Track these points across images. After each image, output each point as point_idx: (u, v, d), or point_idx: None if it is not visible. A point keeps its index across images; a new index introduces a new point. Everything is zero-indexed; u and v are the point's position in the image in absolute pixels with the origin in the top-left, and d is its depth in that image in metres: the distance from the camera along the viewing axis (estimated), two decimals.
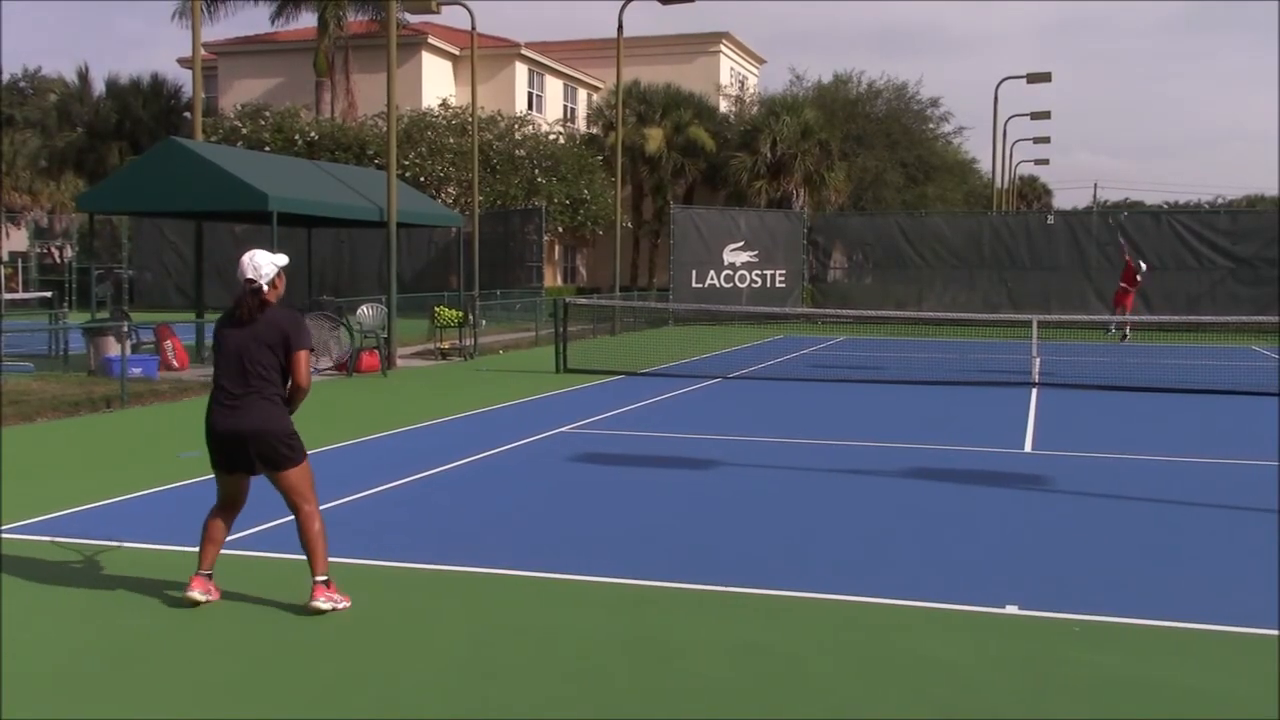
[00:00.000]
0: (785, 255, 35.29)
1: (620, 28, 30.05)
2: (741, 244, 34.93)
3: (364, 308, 19.29)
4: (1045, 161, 65.44)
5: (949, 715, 4.63)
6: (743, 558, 7.06)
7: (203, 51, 22.64)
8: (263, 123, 40.36)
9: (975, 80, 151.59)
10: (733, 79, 55.06)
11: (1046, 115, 47.62)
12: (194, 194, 17.18)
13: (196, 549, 6.02)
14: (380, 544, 7.29)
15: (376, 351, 18.52)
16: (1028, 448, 11.64)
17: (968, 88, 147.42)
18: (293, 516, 5.92)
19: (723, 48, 54.91)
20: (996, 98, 44.60)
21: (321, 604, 5.71)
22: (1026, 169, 73.20)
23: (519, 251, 35.28)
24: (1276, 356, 23.34)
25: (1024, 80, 41.06)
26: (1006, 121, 48.25)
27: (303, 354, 5.77)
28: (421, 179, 38.25)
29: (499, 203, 39.35)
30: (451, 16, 57.54)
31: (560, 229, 43.19)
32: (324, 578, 5.76)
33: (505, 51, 48.31)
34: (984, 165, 69.56)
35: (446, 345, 21.87)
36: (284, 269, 5.85)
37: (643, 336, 28.12)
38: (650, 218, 47.56)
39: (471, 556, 6.97)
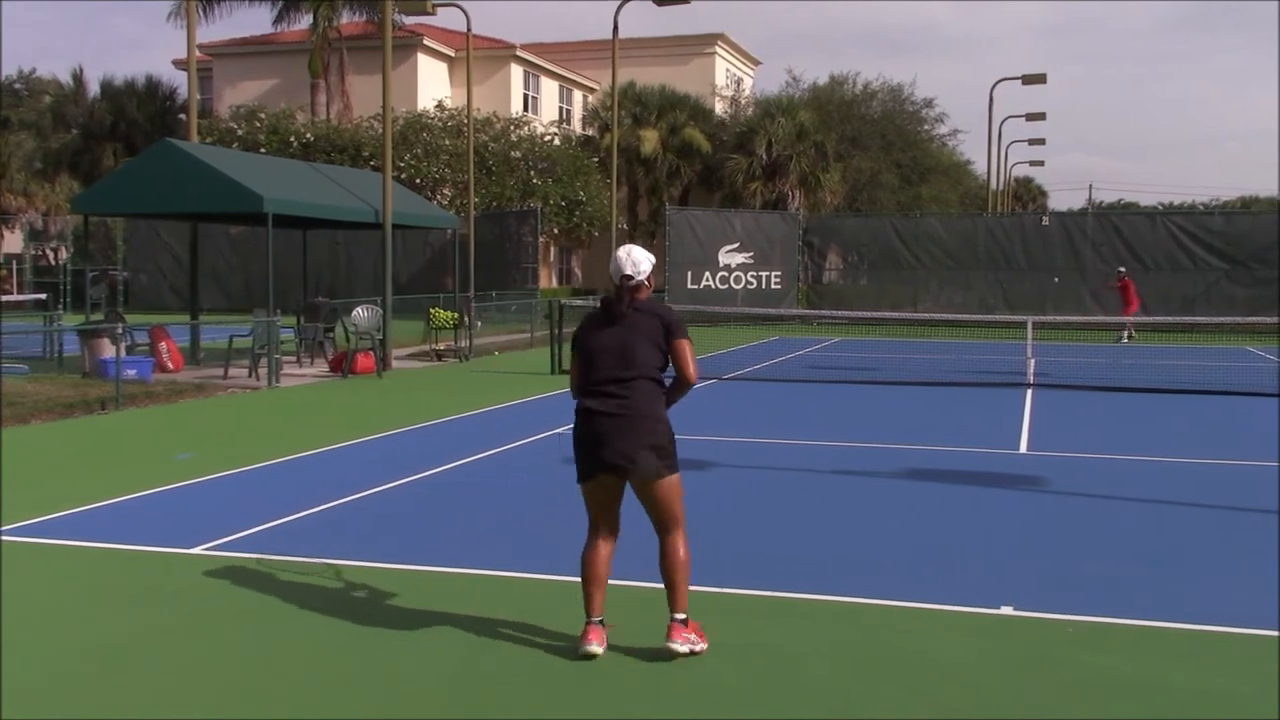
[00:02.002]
0: (781, 257, 35.32)
1: (616, 29, 30.07)
2: (737, 245, 34.96)
3: (359, 309, 19.28)
4: (1040, 163, 65.74)
5: (945, 715, 4.63)
6: (740, 559, 7.06)
7: (198, 53, 22.62)
8: (258, 124, 40.33)
9: (971, 82, 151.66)
10: (728, 80, 55.09)
11: (1042, 117, 47.73)
12: (189, 196, 17.18)
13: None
14: (377, 546, 7.29)
15: (372, 353, 18.51)
16: (1023, 448, 11.65)
17: (963, 89, 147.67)
18: (660, 538, 5.27)
19: (718, 49, 54.94)
20: (992, 99, 44.80)
21: (678, 646, 5.13)
22: (1021, 170, 73.33)
23: (514, 253, 35.28)
24: (1272, 357, 23.39)
25: (1019, 82, 41.14)
26: (1002, 123, 48.38)
27: (686, 343, 5.31)
28: (417, 180, 38.24)
29: (494, 204, 39.34)
30: (447, 18, 57.39)
31: (556, 230, 43.19)
32: (684, 616, 5.19)
33: (501, 53, 48.32)
34: (979, 167, 69.76)
35: (442, 347, 21.87)
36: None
37: None
38: (646, 219, 47.57)
39: (469, 558, 6.97)
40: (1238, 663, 5.25)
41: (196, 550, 7.11)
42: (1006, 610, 5.96)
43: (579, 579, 5.28)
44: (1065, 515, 8.42)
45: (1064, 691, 4.88)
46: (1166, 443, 12.10)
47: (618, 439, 5.12)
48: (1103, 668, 5.17)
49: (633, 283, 5.34)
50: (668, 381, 5.33)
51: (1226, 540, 7.65)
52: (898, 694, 4.85)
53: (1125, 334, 28.63)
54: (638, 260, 5.38)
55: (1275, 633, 5.62)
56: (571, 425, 5.32)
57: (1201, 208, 61.01)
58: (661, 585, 5.26)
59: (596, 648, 5.15)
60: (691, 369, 5.29)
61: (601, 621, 5.25)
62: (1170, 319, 29.98)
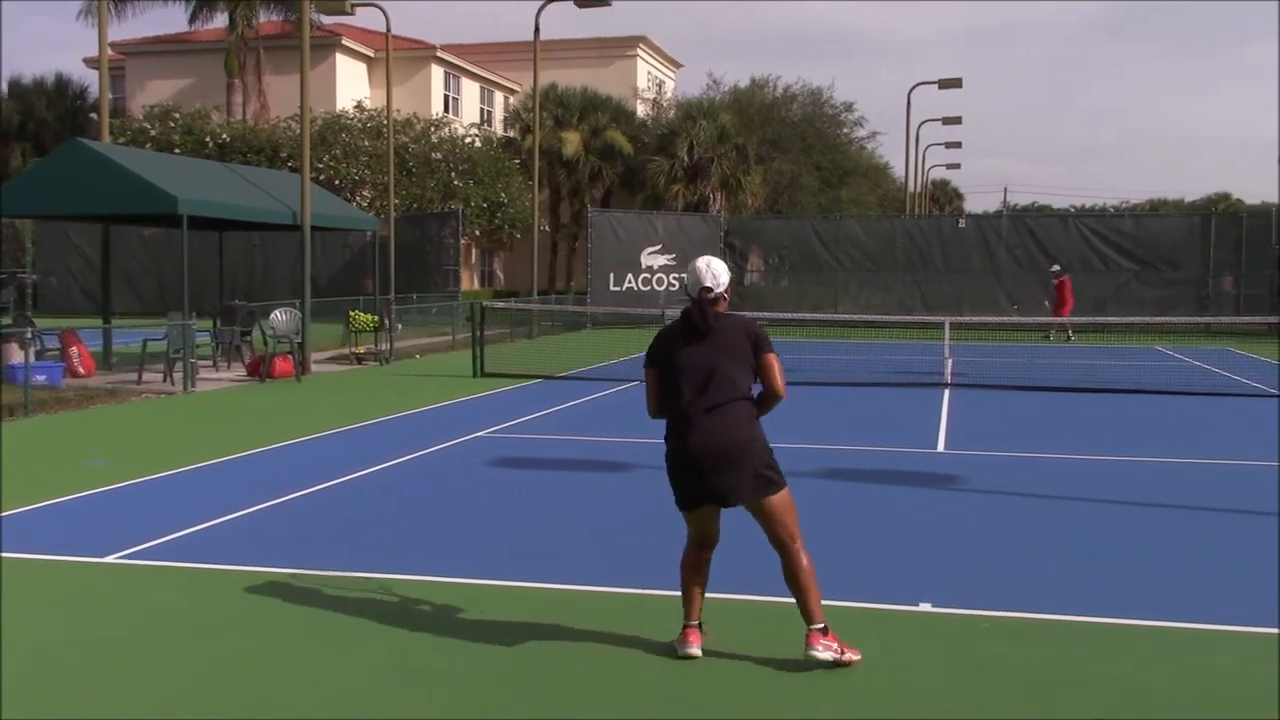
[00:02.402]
0: None
1: (537, 30, 30.02)
2: (659, 247, 35.05)
3: (277, 312, 19.02)
4: (957, 166, 66.73)
5: (862, 714, 4.68)
6: (664, 561, 7.07)
7: (110, 52, 22.16)
8: (172, 124, 39.63)
9: (889, 86, 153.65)
10: (650, 83, 55.20)
11: (958, 120, 48.50)
12: (100, 197, 16.82)
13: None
14: (297, 552, 7.19)
15: (290, 357, 18.27)
16: (940, 447, 11.82)
17: (882, 93, 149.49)
18: (779, 553, 5.18)
19: (639, 51, 55.04)
20: (909, 103, 45.34)
21: (820, 653, 5.04)
22: (939, 173, 74.46)
23: (435, 255, 35.04)
24: (1180, 356, 23.98)
25: (936, 86, 41.74)
26: (919, 126, 49.07)
27: (774, 357, 5.14)
28: (336, 182, 37.82)
29: (415, 206, 39.04)
30: (366, 18, 56.86)
31: (477, 232, 42.97)
32: (822, 625, 5.09)
33: (421, 54, 47.96)
34: (897, 170, 70.64)
35: (362, 350, 21.65)
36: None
37: (561, 340, 28.08)
38: (568, 221, 47.52)
39: (390, 563, 6.91)
40: (1147, 654, 5.37)
41: (109, 559, 6.97)
42: (925, 607, 6.05)
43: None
44: (982, 512, 8.56)
45: (977, 686, 4.96)
46: (1079, 440, 12.35)
47: (720, 470, 4.99)
48: (1016, 662, 5.26)
49: (712, 295, 5.17)
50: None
51: (1137, 535, 7.82)
52: (811, 692, 4.89)
53: (1067, 333, 29.37)
54: (717, 272, 5.21)
55: (1184, 625, 5.77)
56: (664, 452, 5.21)
57: (1112, 210, 62.45)
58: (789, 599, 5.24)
59: (696, 650, 5.16)
60: (781, 383, 5.16)
61: (700, 625, 5.25)
62: (1082, 319, 30.61)
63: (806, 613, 5.11)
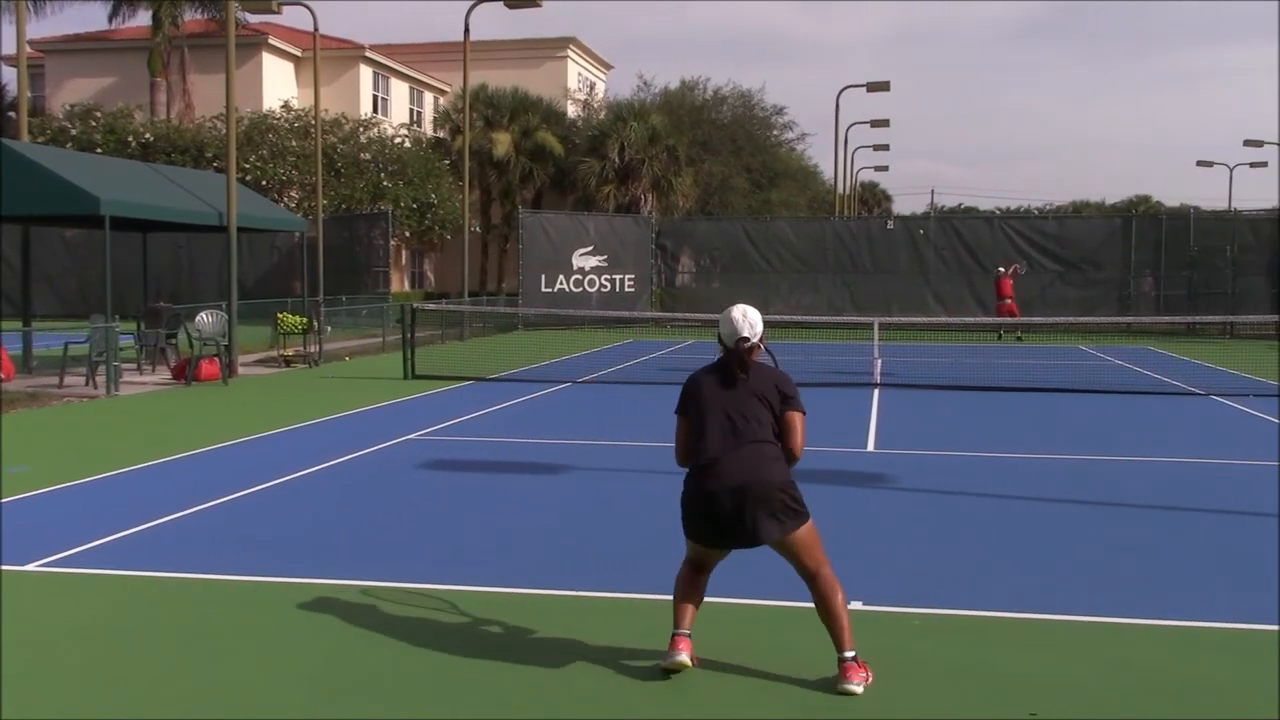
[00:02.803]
0: (634, 260, 35.53)
1: (467, 31, 29.88)
2: (590, 249, 35.04)
3: (203, 314, 18.74)
4: (885, 168, 67.29)
5: (798, 713, 4.72)
6: (597, 562, 7.08)
7: (29, 49, 21.71)
8: (94, 124, 38.89)
9: (818, 88, 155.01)
10: (580, 84, 55.16)
11: (886, 123, 48.99)
12: (20, 197, 16.45)
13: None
14: (224, 558, 7.10)
15: (216, 359, 18.02)
16: (870, 447, 11.94)
17: (811, 96, 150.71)
18: (810, 587, 5.07)
19: (570, 53, 54.97)
20: (838, 106, 45.67)
21: (854, 686, 4.87)
22: (867, 175, 75.17)
23: (365, 256, 34.72)
24: (1103, 355, 24.44)
25: (864, 89, 42.13)
26: (848, 129, 49.52)
27: (800, 416, 5.09)
28: (263, 182, 37.34)
29: (344, 207, 38.66)
30: (293, 17, 56.27)
31: (407, 233, 42.65)
32: (853, 654, 4.93)
33: (349, 53, 47.53)
34: (826, 172, 71.25)
35: (290, 352, 21.40)
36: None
37: (492, 341, 27.97)
38: (499, 222, 47.33)
39: (318, 568, 6.84)
40: (1071, 648, 5.47)
41: (30, 567, 6.83)
42: (856, 605, 6.09)
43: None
44: (912, 511, 8.67)
45: (908, 683, 5.01)
46: (1007, 439, 12.54)
47: (740, 518, 4.91)
48: (946, 658, 5.33)
49: (748, 345, 5.13)
50: None
51: (1060, 532, 7.96)
52: (744, 691, 4.92)
53: (1016, 333, 29.84)
54: (754, 321, 5.18)
55: (1109, 620, 5.89)
56: (682, 492, 5.09)
57: (1036, 212, 63.46)
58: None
59: (685, 658, 5.03)
60: (800, 444, 5.08)
61: (689, 635, 5.11)
62: (1008, 319, 31.07)
63: (839, 640, 4.96)
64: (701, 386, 5.16)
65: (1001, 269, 30.76)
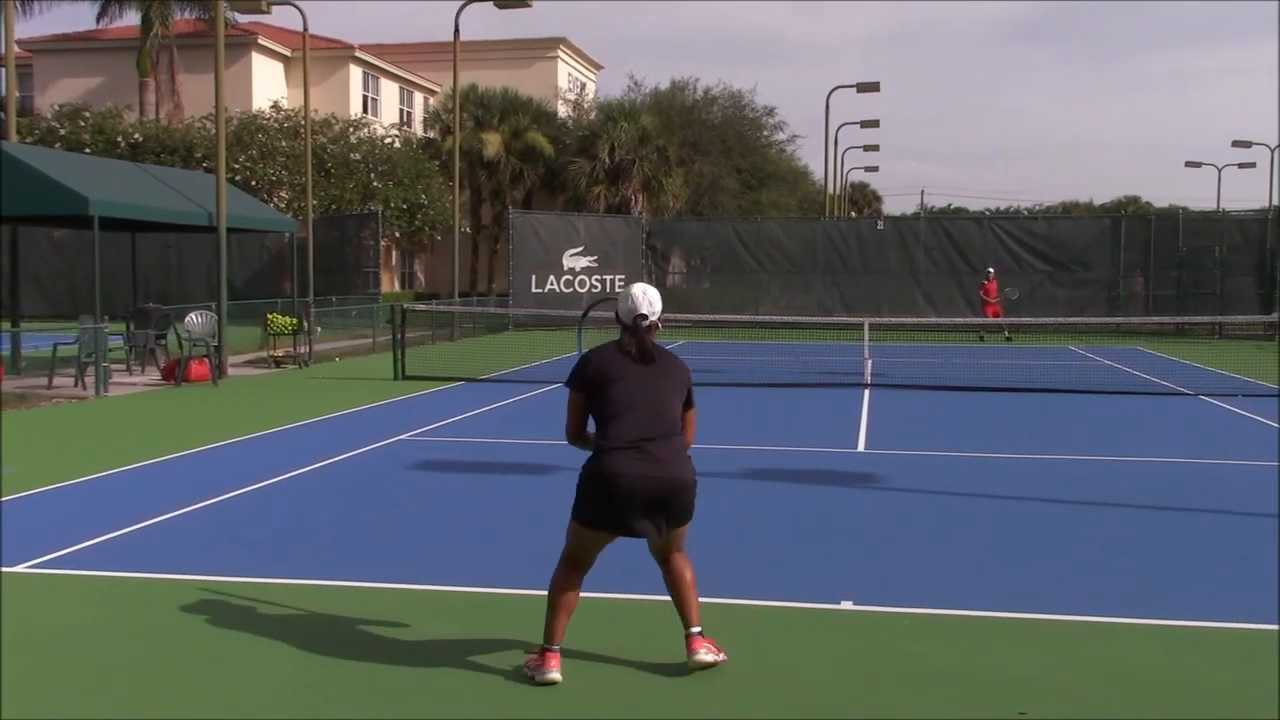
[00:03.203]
0: (624, 260, 35.52)
1: (457, 31, 29.84)
2: (581, 249, 35.02)
3: (192, 315, 18.69)
4: (875, 169, 67.53)
5: (786, 713, 4.72)
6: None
7: (17, 49, 21.64)
8: (82, 124, 38.74)
9: (809, 89, 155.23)
10: (571, 84, 55.14)
11: (876, 124, 49.12)
12: (8, 197, 16.38)
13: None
14: (213, 559, 7.08)
15: (206, 360, 17.97)
16: (861, 447, 11.95)
17: (801, 96, 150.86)
18: (661, 567, 5.19)
19: (560, 53, 54.95)
20: (828, 106, 45.80)
21: (705, 655, 5.03)
22: (857, 176, 75.30)
23: (355, 257, 34.68)
24: (1092, 356, 24.50)
25: (854, 90, 42.19)
26: (838, 130, 49.56)
27: (692, 415, 5.25)
28: (253, 183, 37.24)
29: (334, 207, 38.58)
30: (282, 17, 56.09)
31: (397, 234, 42.59)
32: (699, 628, 5.09)
33: (339, 53, 47.45)
34: (817, 172, 71.30)
35: (280, 353, 21.35)
36: None
37: (482, 342, 27.94)
38: (489, 222, 47.28)
39: (309, 569, 6.83)
40: (1062, 648, 5.47)
41: (19, 569, 6.80)
42: (846, 605, 6.11)
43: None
44: (902, 511, 8.67)
45: (899, 683, 5.02)
46: (997, 439, 12.57)
47: (651, 509, 4.92)
48: (937, 658, 5.34)
49: (647, 323, 5.07)
50: None
51: (1052, 532, 7.98)
52: (735, 690, 4.92)
53: (1004, 333, 30.07)
54: (653, 300, 5.12)
55: (1099, 619, 5.90)
56: (588, 469, 5.04)
57: (1025, 213, 63.62)
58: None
59: (557, 674, 4.91)
60: (692, 436, 5.25)
61: (560, 649, 5.01)
62: (998, 320, 31.15)
63: (688, 616, 5.08)
64: (609, 363, 5.03)
65: (991, 270, 30.89)
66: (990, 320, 28.64)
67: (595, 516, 4.98)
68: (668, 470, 4.91)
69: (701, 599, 5.24)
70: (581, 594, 6.23)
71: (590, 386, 5.05)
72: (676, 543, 5.11)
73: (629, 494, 4.87)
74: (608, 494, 4.91)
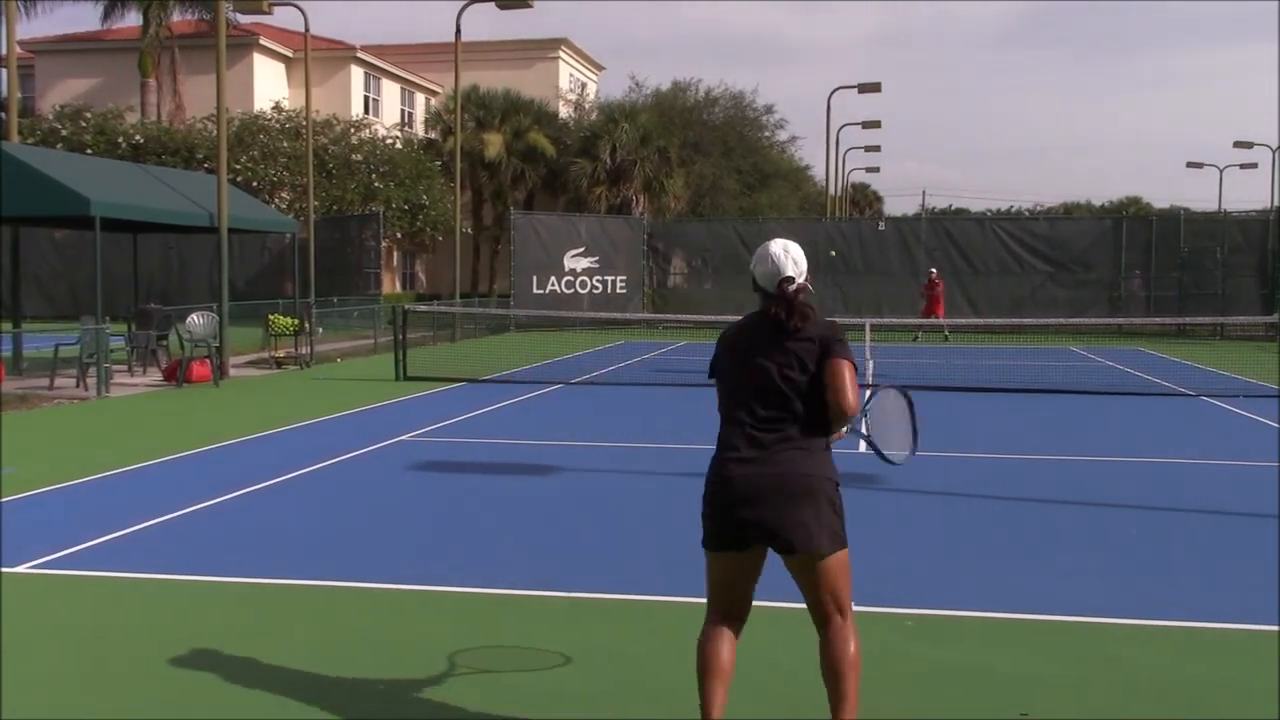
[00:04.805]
0: (626, 261, 35.51)
1: (458, 31, 29.84)
2: (582, 250, 35.02)
3: (194, 316, 18.70)
4: (876, 169, 67.43)
5: (786, 713, 4.72)
6: (590, 564, 7.08)
7: (18, 49, 21.65)
8: (84, 124, 38.77)
9: (810, 89, 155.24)
10: (572, 85, 55.16)
11: (877, 125, 49.05)
12: (10, 198, 16.39)
13: None
14: (215, 559, 7.08)
15: (208, 361, 17.97)
16: (862, 447, 11.90)
17: (802, 97, 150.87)
18: (820, 627, 4.11)
19: (561, 53, 54.96)
20: (829, 107, 45.74)
21: None
22: (858, 176, 75.30)
23: (356, 257, 34.69)
24: (1094, 357, 24.48)
25: (856, 90, 42.17)
26: (839, 130, 49.54)
27: (847, 364, 4.01)
28: (254, 184, 37.26)
29: (335, 208, 38.60)
30: (284, 18, 56.14)
31: (399, 234, 42.60)
32: None
33: (340, 54, 47.47)
34: (817, 172, 71.32)
35: (282, 354, 21.36)
36: None
37: (484, 343, 27.94)
38: (490, 223, 47.28)
39: (309, 569, 6.83)
40: (1065, 649, 5.47)
41: (21, 569, 6.80)
42: None
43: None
44: (903, 512, 8.67)
45: (902, 684, 5.02)
46: (999, 440, 12.56)
47: (767, 505, 3.94)
48: (940, 659, 5.33)
49: (794, 286, 4.10)
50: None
51: (1056, 533, 7.97)
52: (735, 690, 4.91)
53: (944, 332, 30.25)
54: (798, 258, 4.15)
55: (1101, 620, 5.89)
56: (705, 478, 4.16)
57: (1027, 214, 63.59)
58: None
59: None
60: (851, 397, 4.01)
61: None
62: (999, 320, 31.17)
63: (838, 708, 4.01)
64: (739, 344, 4.15)
65: (934, 270, 31.14)
66: (927, 320, 28.81)
67: (709, 535, 4.12)
68: (789, 467, 3.96)
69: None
70: (581, 594, 6.27)
71: (716, 371, 4.24)
72: (832, 595, 4.03)
73: (735, 490, 4.01)
74: (719, 502, 4.07)
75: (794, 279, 4.11)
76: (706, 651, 4.05)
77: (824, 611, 4.04)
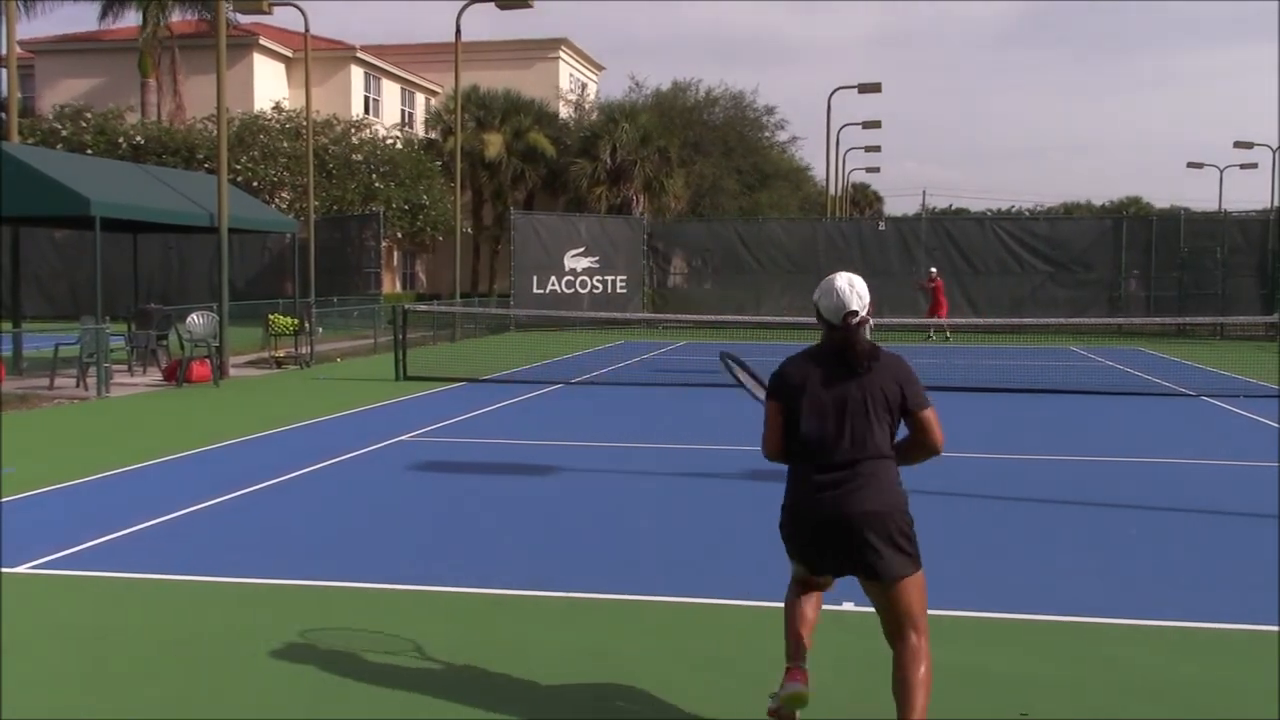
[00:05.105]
0: (626, 261, 35.51)
1: (458, 31, 29.83)
2: (582, 250, 35.02)
3: (194, 316, 18.70)
4: (876, 169, 67.43)
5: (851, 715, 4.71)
6: (590, 564, 7.08)
7: (19, 49, 21.65)
8: (84, 124, 38.77)
9: (810, 90, 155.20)
10: (572, 85, 55.16)
11: (877, 125, 49.04)
12: (10, 198, 16.39)
13: None
14: (215, 559, 7.08)
15: (208, 361, 17.98)
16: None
17: (803, 97, 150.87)
18: (893, 643, 4.31)
19: (561, 53, 54.95)
20: (830, 107, 45.76)
21: None
22: (859, 176, 75.29)
23: (356, 257, 34.68)
24: (1094, 357, 24.48)
25: (856, 90, 42.18)
26: (839, 130, 49.55)
27: (931, 413, 4.28)
28: (254, 184, 37.26)
29: (335, 208, 38.59)
30: (284, 18, 56.13)
31: (399, 234, 42.60)
32: None
33: (340, 54, 47.47)
34: (818, 172, 71.32)
35: (282, 354, 21.36)
36: None
37: (484, 343, 27.94)
38: (490, 223, 47.28)
39: (309, 570, 6.83)
40: (1065, 649, 5.47)
41: (20, 569, 6.81)
42: (848, 606, 6.10)
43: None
44: None
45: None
46: (998, 440, 12.55)
47: (848, 536, 4.15)
48: (937, 659, 5.29)
49: (857, 319, 4.24)
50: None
51: (1055, 533, 7.97)
52: (735, 690, 4.92)
53: (945, 333, 30.18)
54: (862, 292, 4.30)
55: (1101, 620, 5.90)
56: (782, 505, 4.40)
57: (1027, 214, 63.58)
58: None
59: (798, 687, 4.37)
60: (940, 437, 4.32)
61: (803, 665, 4.44)
62: (999, 320, 31.17)
63: None
64: (806, 373, 4.29)
65: (934, 269, 31.07)
66: (933, 320, 28.74)
67: (797, 554, 4.42)
68: (857, 501, 4.14)
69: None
70: (581, 594, 6.28)
71: (785, 395, 4.31)
72: (908, 612, 4.23)
73: (813, 530, 4.24)
74: (797, 530, 4.32)
75: (858, 313, 4.25)
76: (796, 608, 4.50)
77: (899, 630, 4.27)
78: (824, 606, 5.88)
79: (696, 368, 21.08)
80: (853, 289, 4.30)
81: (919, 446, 4.33)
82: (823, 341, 4.34)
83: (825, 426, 4.20)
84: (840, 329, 4.25)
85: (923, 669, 4.20)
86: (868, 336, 4.27)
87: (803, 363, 4.34)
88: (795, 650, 4.44)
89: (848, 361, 4.22)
